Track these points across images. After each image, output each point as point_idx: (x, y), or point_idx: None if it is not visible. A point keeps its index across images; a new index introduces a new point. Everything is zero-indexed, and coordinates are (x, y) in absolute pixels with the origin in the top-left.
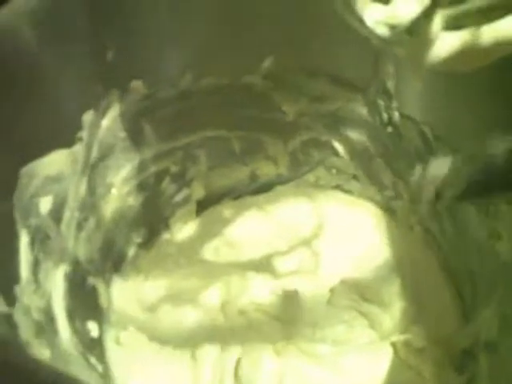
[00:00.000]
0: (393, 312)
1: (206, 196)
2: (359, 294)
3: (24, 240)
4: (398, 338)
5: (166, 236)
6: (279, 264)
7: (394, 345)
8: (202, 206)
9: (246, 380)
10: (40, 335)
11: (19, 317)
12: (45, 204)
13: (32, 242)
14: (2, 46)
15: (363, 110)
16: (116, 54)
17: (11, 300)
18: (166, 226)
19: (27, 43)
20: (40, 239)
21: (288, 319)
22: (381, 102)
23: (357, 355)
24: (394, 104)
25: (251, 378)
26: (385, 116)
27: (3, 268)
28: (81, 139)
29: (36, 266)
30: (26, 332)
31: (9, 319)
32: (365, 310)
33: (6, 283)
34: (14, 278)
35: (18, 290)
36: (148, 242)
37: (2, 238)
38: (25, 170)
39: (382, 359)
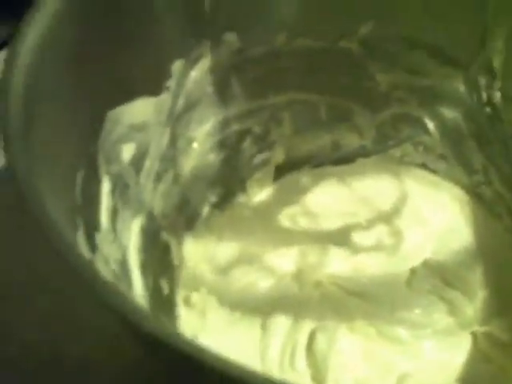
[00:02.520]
0: (475, 301)
1: (286, 161)
2: (441, 277)
3: (106, 186)
4: (479, 328)
5: (241, 198)
6: (358, 238)
7: (474, 335)
8: (280, 172)
9: (320, 355)
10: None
11: (100, 265)
12: (127, 151)
13: (113, 190)
14: None
15: (461, 88)
16: (213, 4)
17: (93, 247)
18: (242, 188)
19: None
20: (120, 187)
21: (365, 297)
22: (482, 81)
23: (434, 341)
24: (497, 84)
25: (326, 353)
26: (484, 96)
27: (88, 213)
28: (168, 89)
29: (115, 215)
30: None
31: (92, 266)
32: (447, 295)
33: (89, 229)
34: (96, 225)
35: (98, 237)
36: (222, 203)
37: (88, 182)
38: (111, 114)
39: (461, 349)
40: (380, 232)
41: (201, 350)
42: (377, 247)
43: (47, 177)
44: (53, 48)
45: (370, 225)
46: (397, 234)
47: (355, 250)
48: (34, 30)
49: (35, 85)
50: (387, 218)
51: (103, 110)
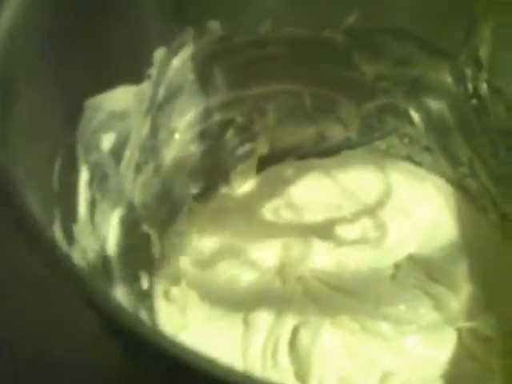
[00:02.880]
0: (461, 296)
1: (269, 153)
2: (426, 272)
3: (84, 176)
4: (464, 324)
5: (223, 190)
6: (342, 231)
7: (459, 331)
8: (264, 164)
9: (303, 351)
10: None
11: (78, 257)
12: (107, 140)
13: (91, 180)
14: None
15: (448, 79)
16: None
17: (70, 239)
18: (225, 180)
19: None
20: (99, 178)
21: (349, 291)
22: (468, 72)
23: (419, 337)
24: (484, 75)
25: (309, 349)
26: (471, 87)
27: (65, 204)
28: (149, 77)
29: (93, 205)
30: None
31: (68, 259)
32: (432, 290)
33: (67, 221)
34: (73, 216)
35: (76, 229)
36: (204, 195)
37: (66, 172)
38: (91, 102)
39: (446, 345)
40: (364, 225)
41: (181, 348)
42: (361, 240)
43: (23, 166)
44: (27, 33)
45: (354, 218)
46: (381, 227)
47: (339, 243)
48: (6, 14)
49: (11, 70)
50: (371, 211)
51: (83, 97)
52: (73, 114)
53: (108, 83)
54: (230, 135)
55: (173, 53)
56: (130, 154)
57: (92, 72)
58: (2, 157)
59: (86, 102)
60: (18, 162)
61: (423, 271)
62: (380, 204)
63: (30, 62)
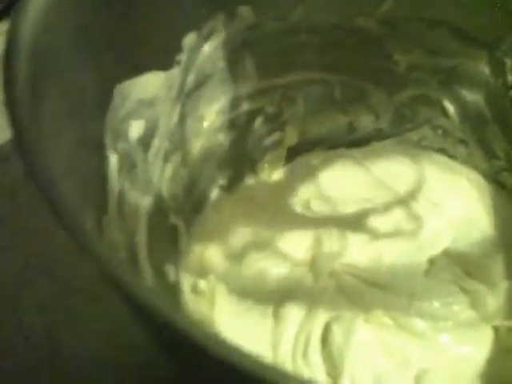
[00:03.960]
0: (498, 293)
1: (298, 143)
2: (462, 268)
3: (113, 165)
4: (501, 322)
5: (251, 181)
6: (375, 224)
7: (496, 329)
8: (292, 154)
9: (336, 348)
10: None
11: (107, 249)
12: (136, 128)
13: (120, 169)
14: None
15: (485, 69)
16: None
17: (100, 229)
18: (253, 171)
19: None
20: (127, 167)
21: (383, 286)
22: (508, 62)
23: (455, 335)
24: None
25: (342, 346)
26: (510, 78)
27: (95, 194)
28: (179, 63)
29: (122, 196)
30: None
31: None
32: (468, 286)
33: (96, 212)
34: (103, 207)
35: (105, 220)
36: (232, 186)
37: (95, 160)
38: (119, 89)
39: (483, 343)
40: (398, 217)
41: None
42: (395, 233)
43: (54, 155)
44: (59, 19)
45: (387, 209)
46: (415, 220)
47: (372, 236)
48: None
49: (42, 57)
50: (405, 202)
51: (112, 84)
52: (102, 101)
53: (137, 69)
54: (258, 124)
55: (203, 39)
56: (159, 143)
57: (121, 57)
58: (35, 146)
59: (114, 89)
60: (48, 152)
61: (459, 267)
62: (413, 196)
63: (61, 48)
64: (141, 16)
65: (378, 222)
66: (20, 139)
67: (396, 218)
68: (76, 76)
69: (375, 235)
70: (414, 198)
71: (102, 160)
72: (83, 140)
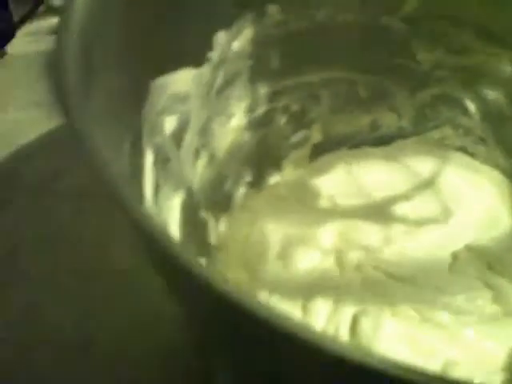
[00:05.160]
0: None
1: (323, 141)
2: (486, 263)
3: (149, 159)
4: None
5: (276, 178)
6: (401, 211)
7: None
8: (316, 152)
9: (365, 339)
10: None
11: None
12: (169, 123)
13: (155, 162)
14: None
15: (507, 68)
16: None
17: None
18: (278, 168)
19: None
20: (162, 161)
21: (407, 280)
22: None
23: (479, 329)
24: None
25: (371, 338)
26: None
27: (133, 185)
28: (209, 60)
29: (157, 188)
30: None
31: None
32: (492, 281)
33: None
34: (140, 198)
35: None
36: (258, 183)
37: (133, 153)
38: (155, 84)
39: (506, 338)
40: (424, 205)
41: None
42: (422, 222)
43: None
44: (103, 18)
45: (413, 197)
46: (441, 210)
47: (398, 228)
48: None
49: (89, 53)
50: (430, 193)
51: (148, 79)
52: (140, 96)
53: (172, 65)
54: (283, 122)
55: (233, 36)
56: (190, 139)
57: (158, 53)
58: (91, 133)
59: (151, 84)
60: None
61: (482, 262)
62: (437, 191)
63: (105, 44)
64: (175, 15)
65: (403, 210)
66: (73, 126)
67: (422, 209)
68: (119, 70)
69: (401, 227)
70: (438, 194)
71: (140, 153)
72: (123, 134)
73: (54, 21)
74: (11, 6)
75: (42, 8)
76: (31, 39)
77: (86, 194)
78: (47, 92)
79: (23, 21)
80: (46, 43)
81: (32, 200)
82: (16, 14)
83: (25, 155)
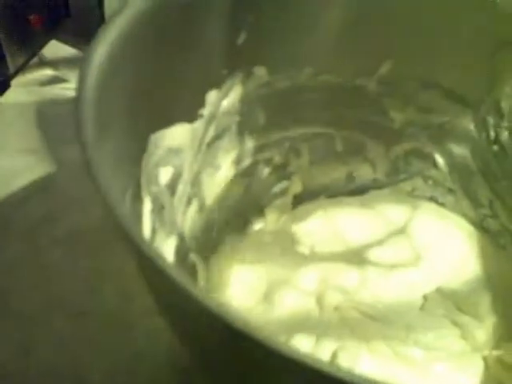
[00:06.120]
0: (486, 326)
1: (303, 191)
2: (454, 303)
3: (147, 206)
4: (489, 352)
5: (260, 224)
6: (376, 257)
7: (485, 359)
8: (297, 201)
9: None
10: None
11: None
12: (165, 174)
13: (152, 210)
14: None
15: (470, 126)
16: (246, 38)
17: None
18: (262, 215)
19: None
20: (157, 208)
21: (382, 319)
22: (490, 120)
23: (448, 363)
24: (505, 123)
25: None
26: (492, 134)
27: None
28: (202, 116)
29: (154, 234)
30: None
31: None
32: (459, 320)
33: None
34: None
35: None
36: (243, 228)
37: (134, 201)
38: (154, 137)
39: (473, 372)
40: (397, 253)
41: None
42: (395, 266)
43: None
44: (112, 83)
45: (387, 245)
46: (413, 256)
47: (374, 272)
48: (101, 51)
49: (102, 106)
50: (402, 242)
51: (148, 133)
52: (140, 148)
53: (168, 121)
54: (267, 173)
55: (223, 95)
56: (183, 188)
57: (157, 112)
58: (104, 174)
59: (149, 138)
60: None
61: (451, 303)
62: (409, 238)
63: (113, 106)
64: (173, 77)
65: (378, 254)
66: (90, 169)
67: (395, 251)
68: (125, 124)
69: (375, 271)
70: (410, 240)
71: (139, 201)
72: (126, 183)
73: (45, 73)
74: (8, 58)
75: (34, 60)
76: (23, 90)
77: (78, 237)
78: (39, 139)
79: (18, 72)
80: (38, 94)
81: (26, 243)
82: (13, 65)
83: (18, 200)
